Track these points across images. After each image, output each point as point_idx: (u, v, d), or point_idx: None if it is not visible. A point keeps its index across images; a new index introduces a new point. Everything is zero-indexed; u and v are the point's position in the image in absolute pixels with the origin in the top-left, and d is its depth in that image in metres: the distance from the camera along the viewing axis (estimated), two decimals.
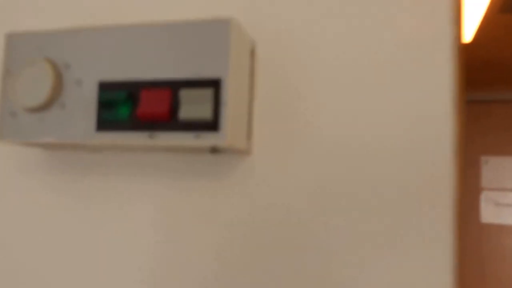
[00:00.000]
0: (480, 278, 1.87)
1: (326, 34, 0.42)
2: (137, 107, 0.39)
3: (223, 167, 0.42)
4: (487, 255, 1.92)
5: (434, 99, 0.40)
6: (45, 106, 0.42)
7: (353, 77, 0.41)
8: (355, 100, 0.41)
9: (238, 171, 0.42)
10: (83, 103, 0.41)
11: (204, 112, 0.37)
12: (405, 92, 0.40)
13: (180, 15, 0.45)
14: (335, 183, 0.41)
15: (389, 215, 0.39)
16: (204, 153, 0.43)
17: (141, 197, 0.45)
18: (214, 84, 0.37)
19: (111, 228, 0.46)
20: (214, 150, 0.42)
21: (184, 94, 0.38)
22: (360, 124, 0.41)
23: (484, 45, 1.71)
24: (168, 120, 0.38)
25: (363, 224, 0.40)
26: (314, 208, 0.40)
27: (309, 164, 0.41)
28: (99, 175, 0.47)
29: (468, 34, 1.57)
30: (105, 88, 0.40)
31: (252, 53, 0.43)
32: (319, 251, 0.40)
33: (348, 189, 0.40)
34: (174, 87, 0.38)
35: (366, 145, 0.40)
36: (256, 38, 0.44)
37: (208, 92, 0.37)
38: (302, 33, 0.43)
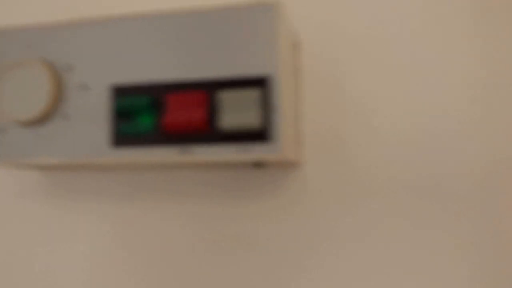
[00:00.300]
0: None
1: (384, 21, 0.36)
2: (164, 115, 0.31)
3: (271, 183, 0.35)
4: None
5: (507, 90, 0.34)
6: (43, 119, 0.34)
7: (419, 72, 0.35)
8: (420, 99, 0.34)
9: (289, 187, 0.35)
10: (93, 112, 0.33)
11: (250, 118, 0.30)
12: (479, 82, 0.34)
13: (207, 0, 0.37)
14: (400, 195, 0.34)
15: (462, 217, 0.33)
16: (246, 168, 0.36)
17: (170, 223, 0.37)
18: (261, 83, 0.30)
19: (132, 260, 0.38)
20: (259, 164, 0.34)
21: (224, 97, 0.30)
22: (427, 126, 0.34)
23: None
24: (205, 131, 0.31)
25: (436, 241, 0.33)
26: (379, 226, 0.34)
27: (371, 174, 0.34)
28: (113, 198, 0.39)
29: None
30: (120, 93, 0.32)
31: (297, 45, 0.36)
32: (388, 274, 0.33)
33: (417, 202, 0.34)
34: (210, 89, 0.31)
35: (435, 150, 0.34)
36: (300, 28, 0.37)
37: (254, 94, 0.30)
38: (355, 20, 0.36)
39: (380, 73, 0.35)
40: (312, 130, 0.36)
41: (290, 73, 0.34)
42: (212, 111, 0.31)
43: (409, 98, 0.35)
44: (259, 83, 0.30)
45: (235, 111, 0.30)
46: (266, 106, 0.30)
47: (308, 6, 0.37)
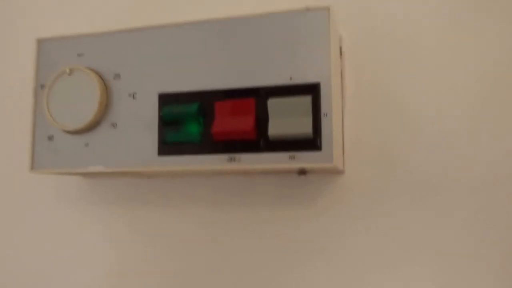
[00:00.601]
0: None
1: (428, 28, 0.35)
2: (211, 123, 0.31)
3: (315, 190, 0.35)
4: None
5: None
6: (91, 127, 0.34)
7: (463, 83, 0.33)
8: (463, 111, 0.33)
9: (332, 193, 0.34)
10: (140, 121, 0.33)
11: (301, 126, 0.29)
12: None
13: (251, 8, 0.37)
14: (441, 201, 0.33)
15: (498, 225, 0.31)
16: (291, 175, 0.35)
17: (214, 229, 0.37)
18: (314, 90, 0.29)
19: (174, 265, 0.38)
20: (303, 171, 0.34)
21: (274, 105, 0.30)
22: (467, 131, 0.33)
23: None
24: (254, 139, 0.30)
25: (483, 243, 0.32)
26: (421, 231, 0.33)
27: (412, 180, 0.33)
28: (156, 204, 0.39)
29: None
30: (167, 101, 0.32)
31: (340, 51, 0.35)
32: (429, 277, 0.32)
33: (459, 206, 0.32)
34: (259, 96, 0.31)
35: (474, 154, 0.32)
36: (342, 32, 0.36)
37: (306, 101, 0.29)
38: (398, 26, 0.35)
39: (420, 79, 0.34)
40: (353, 136, 0.35)
41: (339, 80, 0.33)
42: (261, 118, 0.30)
43: (450, 104, 0.33)
44: (311, 89, 0.29)
45: (285, 118, 0.30)
46: (318, 113, 0.29)
47: (348, 11, 0.36)
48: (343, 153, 0.35)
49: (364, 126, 0.35)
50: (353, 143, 0.35)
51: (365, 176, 0.35)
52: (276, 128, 0.30)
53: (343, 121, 0.35)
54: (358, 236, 0.34)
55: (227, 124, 0.30)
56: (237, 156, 0.30)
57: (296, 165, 0.30)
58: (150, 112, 0.33)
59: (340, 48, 0.35)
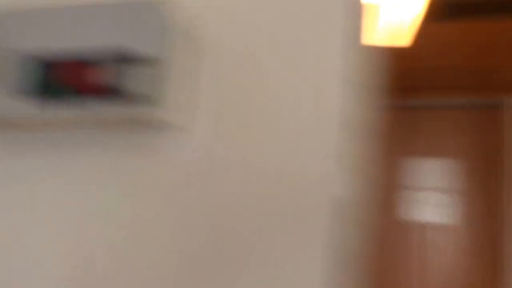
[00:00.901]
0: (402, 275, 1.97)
1: (266, 19, 0.45)
2: (58, 78, 0.40)
3: (155, 142, 0.44)
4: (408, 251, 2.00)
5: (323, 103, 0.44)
6: None
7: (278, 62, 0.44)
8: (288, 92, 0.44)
9: (174, 147, 0.44)
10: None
11: (140, 85, 0.39)
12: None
13: None
14: (267, 171, 0.43)
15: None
16: (142, 129, 0.45)
17: (65, 175, 0.46)
18: (150, 62, 0.39)
19: (40, 208, 0.45)
20: (149, 125, 0.43)
21: (120, 68, 0.39)
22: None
23: (422, 53, 1.78)
24: (102, 93, 0.40)
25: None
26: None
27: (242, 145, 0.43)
28: (23, 156, 0.47)
29: (404, 41, 1.65)
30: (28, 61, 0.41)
31: (195, 33, 0.45)
32: (243, 234, 0.42)
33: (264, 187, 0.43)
34: (109, 60, 0.40)
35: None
36: (205, 20, 0.45)
37: (145, 68, 0.39)
38: (246, 14, 0.45)
39: (270, 60, 0.44)
40: (205, 103, 0.44)
41: (183, 54, 0.42)
42: (109, 77, 0.40)
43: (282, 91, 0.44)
44: (149, 61, 0.39)
45: (129, 78, 0.39)
46: (154, 77, 0.39)
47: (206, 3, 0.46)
48: (191, 115, 0.44)
49: (217, 96, 0.44)
50: (204, 108, 0.44)
51: (209, 136, 0.44)
52: (122, 85, 0.39)
53: (199, 90, 0.45)
54: None
55: (78, 78, 0.40)
56: (89, 106, 0.40)
57: (137, 115, 0.39)
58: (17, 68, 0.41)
59: (199, 34, 0.45)
